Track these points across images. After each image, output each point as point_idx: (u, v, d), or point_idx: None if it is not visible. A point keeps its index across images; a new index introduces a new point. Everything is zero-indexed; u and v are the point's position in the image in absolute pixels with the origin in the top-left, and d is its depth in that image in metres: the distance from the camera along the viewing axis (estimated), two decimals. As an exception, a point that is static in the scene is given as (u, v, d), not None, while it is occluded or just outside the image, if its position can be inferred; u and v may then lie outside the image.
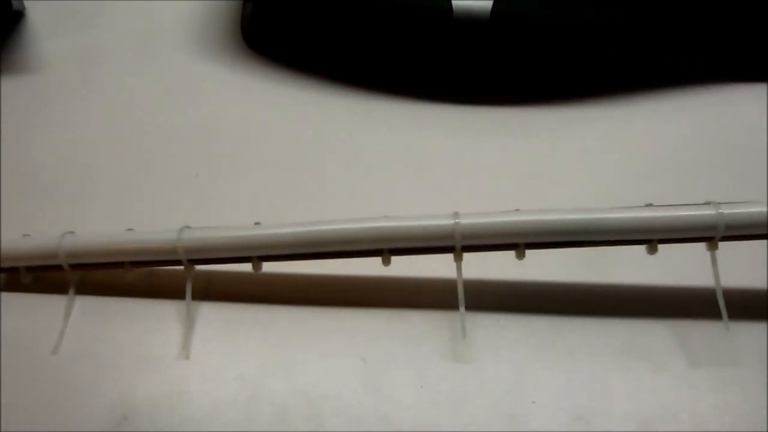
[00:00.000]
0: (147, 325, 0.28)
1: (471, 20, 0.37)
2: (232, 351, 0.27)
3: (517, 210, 0.26)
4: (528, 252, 0.27)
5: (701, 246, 0.27)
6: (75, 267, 0.28)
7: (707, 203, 0.26)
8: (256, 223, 0.27)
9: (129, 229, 0.28)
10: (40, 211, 0.33)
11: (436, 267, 0.28)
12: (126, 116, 0.39)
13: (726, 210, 0.26)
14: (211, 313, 0.28)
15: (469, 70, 0.39)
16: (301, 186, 0.34)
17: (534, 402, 0.25)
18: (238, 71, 0.42)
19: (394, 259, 0.27)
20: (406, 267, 0.28)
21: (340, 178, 0.35)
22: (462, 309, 0.27)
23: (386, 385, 0.26)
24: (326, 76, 0.41)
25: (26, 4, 0.47)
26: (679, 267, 0.28)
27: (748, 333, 0.27)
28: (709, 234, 0.26)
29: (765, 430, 0.24)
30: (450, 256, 0.27)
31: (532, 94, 0.39)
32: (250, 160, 0.36)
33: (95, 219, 0.32)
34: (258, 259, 0.28)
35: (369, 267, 0.28)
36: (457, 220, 0.26)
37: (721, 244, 0.26)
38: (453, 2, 0.37)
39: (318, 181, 0.35)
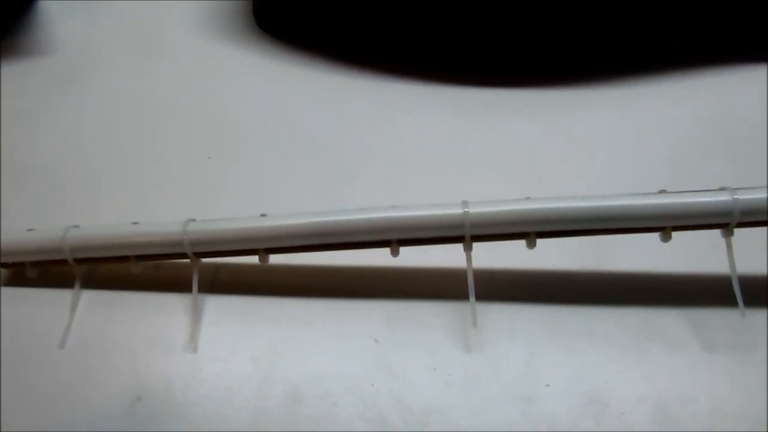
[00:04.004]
0: (154, 317, 0.28)
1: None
2: (243, 337, 0.27)
3: (528, 198, 0.26)
4: (539, 241, 0.26)
5: (715, 232, 0.26)
6: (80, 261, 0.28)
7: (722, 189, 0.25)
8: (262, 215, 0.27)
9: (134, 222, 0.28)
10: (44, 204, 0.33)
11: (446, 257, 0.28)
12: (136, 100, 0.39)
13: (741, 195, 0.25)
14: (219, 306, 0.28)
15: (479, 51, 0.39)
16: (308, 172, 0.34)
17: (548, 385, 0.25)
18: (249, 53, 0.42)
19: (403, 249, 0.27)
20: (415, 257, 0.28)
21: (348, 165, 0.34)
22: (472, 299, 0.26)
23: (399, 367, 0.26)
24: (337, 58, 0.40)
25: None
26: (694, 254, 0.28)
27: (763, 319, 0.26)
28: (725, 220, 0.25)
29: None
30: (460, 246, 0.26)
31: (543, 79, 0.38)
32: (260, 144, 0.36)
33: (100, 212, 0.32)
34: (265, 251, 0.27)
35: (377, 258, 0.27)
36: (466, 209, 0.25)
37: (736, 230, 0.26)
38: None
39: (325, 168, 0.34)
